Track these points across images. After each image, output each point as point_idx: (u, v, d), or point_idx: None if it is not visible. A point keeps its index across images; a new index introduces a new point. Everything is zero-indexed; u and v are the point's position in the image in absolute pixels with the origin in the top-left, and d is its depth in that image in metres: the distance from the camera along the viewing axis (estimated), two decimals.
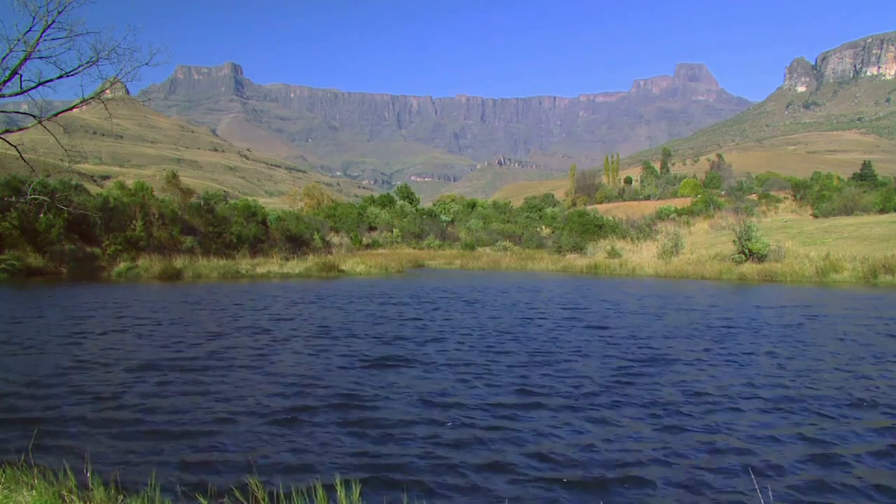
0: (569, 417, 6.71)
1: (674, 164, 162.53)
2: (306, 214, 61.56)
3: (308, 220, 52.45)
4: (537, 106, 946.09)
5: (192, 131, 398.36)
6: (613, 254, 40.81)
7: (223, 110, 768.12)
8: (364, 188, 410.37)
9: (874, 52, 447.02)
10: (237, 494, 4.44)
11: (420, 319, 14.59)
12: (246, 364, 9.28)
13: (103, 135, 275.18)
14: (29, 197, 24.61)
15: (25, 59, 15.11)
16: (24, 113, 16.65)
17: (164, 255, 30.45)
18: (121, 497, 4.31)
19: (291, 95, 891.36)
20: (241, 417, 6.63)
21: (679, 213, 63.67)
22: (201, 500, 4.22)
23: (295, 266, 32.22)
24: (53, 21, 15.15)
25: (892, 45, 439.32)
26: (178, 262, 29.85)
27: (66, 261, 29.06)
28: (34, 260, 28.19)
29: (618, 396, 7.52)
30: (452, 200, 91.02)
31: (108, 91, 17.81)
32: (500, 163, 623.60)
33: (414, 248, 56.25)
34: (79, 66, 16.05)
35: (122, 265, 29.28)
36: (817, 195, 64.48)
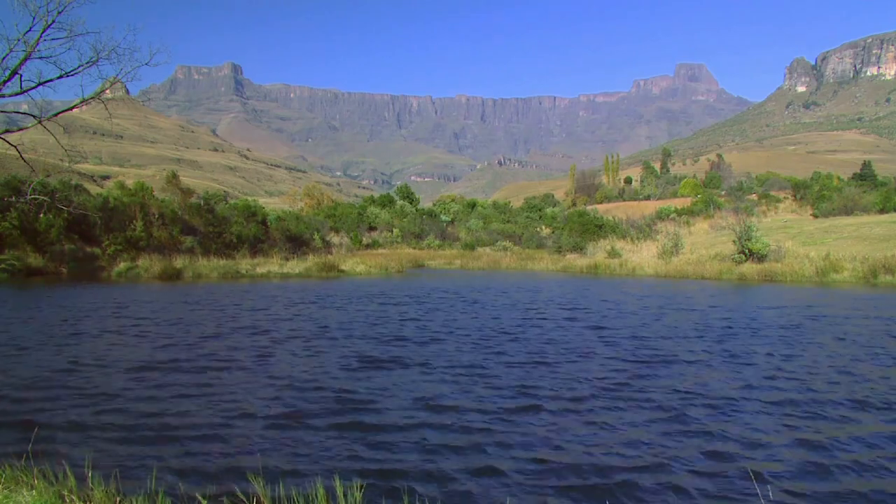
0: (568, 419, 6.71)
1: (674, 164, 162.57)
2: (306, 214, 61.57)
3: (308, 220, 52.45)
4: (537, 106, 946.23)
5: (192, 131, 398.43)
6: (613, 254, 40.80)
7: (223, 110, 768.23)
8: (364, 188, 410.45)
9: (874, 52, 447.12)
10: (238, 494, 4.44)
11: (420, 320, 14.59)
12: (246, 365, 9.28)
13: (103, 135, 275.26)
14: (29, 197, 24.61)
15: (25, 59, 15.11)
16: (24, 113, 16.65)
17: (164, 255, 30.45)
18: (121, 497, 4.31)
19: (291, 95, 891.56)
20: (240, 418, 6.63)
21: (679, 213, 63.66)
22: (201, 500, 4.22)
23: (295, 266, 32.22)
24: (53, 21, 15.14)
25: (892, 45, 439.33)
26: (178, 262, 29.85)
27: (66, 261, 29.06)
28: (34, 260, 28.20)
29: (617, 398, 7.51)
30: (452, 200, 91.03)
31: (108, 91, 17.80)
32: (500, 163, 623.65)
33: (414, 248, 56.25)
34: (79, 66, 16.05)
35: (122, 265, 29.28)
36: (817, 195, 64.49)
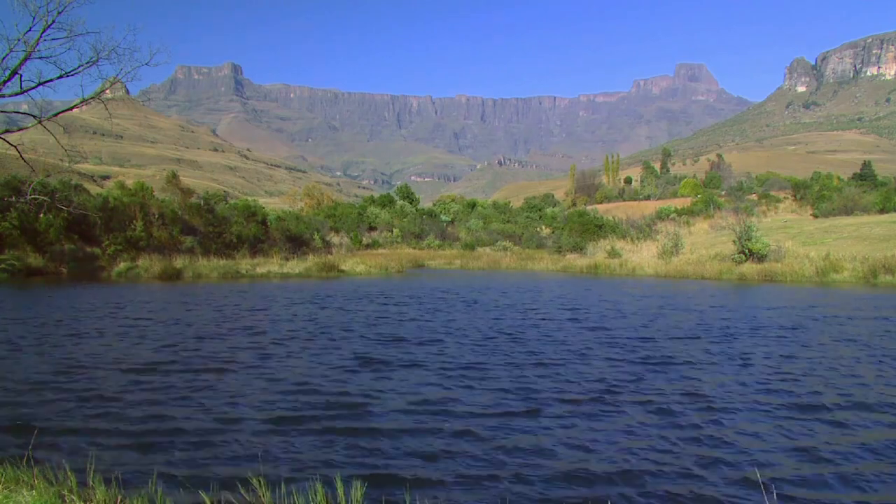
0: (568, 420, 6.71)
1: (674, 164, 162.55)
2: (306, 214, 61.57)
3: (308, 220, 52.45)
4: (537, 106, 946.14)
5: (192, 131, 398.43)
6: (613, 254, 40.80)
7: (223, 110, 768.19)
8: (364, 188, 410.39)
9: (874, 52, 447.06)
10: (241, 490, 4.44)
11: (420, 320, 14.59)
12: (245, 365, 9.28)
13: (103, 135, 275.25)
14: (29, 197, 24.61)
15: (25, 59, 15.11)
16: (24, 113, 16.65)
17: (164, 255, 30.45)
18: (121, 497, 4.31)
19: (291, 95, 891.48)
20: (240, 419, 6.63)
21: (679, 213, 63.65)
22: (203, 499, 4.22)
23: (295, 266, 32.22)
24: (53, 21, 15.14)
25: (892, 45, 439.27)
26: (178, 262, 29.85)
27: (66, 261, 29.06)
28: (34, 260, 28.20)
29: (617, 399, 7.51)
30: (452, 200, 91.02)
31: (108, 91, 17.80)
32: (500, 163, 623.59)
33: (414, 248, 56.25)
34: (79, 66, 16.05)
35: (122, 265, 29.28)
36: (817, 195, 64.48)
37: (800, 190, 70.85)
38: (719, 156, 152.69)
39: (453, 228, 67.52)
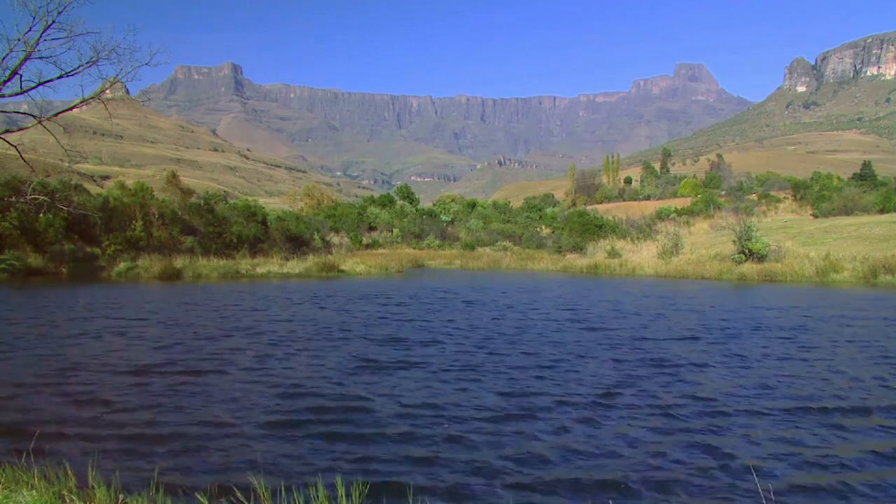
0: (568, 422, 6.71)
1: (674, 164, 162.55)
2: (306, 214, 61.56)
3: (308, 220, 52.45)
4: (537, 106, 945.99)
5: (192, 131, 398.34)
6: (613, 254, 40.80)
7: (223, 110, 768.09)
8: (364, 188, 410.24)
9: (874, 52, 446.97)
10: (239, 495, 4.44)
11: (420, 320, 14.59)
12: (245, 367, 9.28)
13: (103, 135, 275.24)
14: (29, 197, 24.58)
15: (25, 59, 15.09)
16: (24, 113, 16.63)
17: (164, 255, 30.45)
18: (121, 497, 4.31)
19: (291, 95, 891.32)
20: (240, 420, 6.63)
21: (679, 213, 63.66)
22: (202, 500, 4.22)
23: (295, 266, 32.21)
24: (53, 21, 15.12)
25: (892, 45, 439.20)
26: (178, 262, 29.84)
27: (66, 261, 29.06)
28: (34, 260, 28.19)
29: (617, 401, 7.51)
30: (452, 200, 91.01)
31: (108, 91, 17.77)
32: (500, 163, 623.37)
33: (414, 248, 56.24)
34: (79, 66, 16.02)
35: (122, 265, 29.27)
36: (817, 195, 64.47)
37: (800, 190, 70.84)
38: (719, 156, 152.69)
39: (453, 228, 67.52)
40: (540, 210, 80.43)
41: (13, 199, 28.12)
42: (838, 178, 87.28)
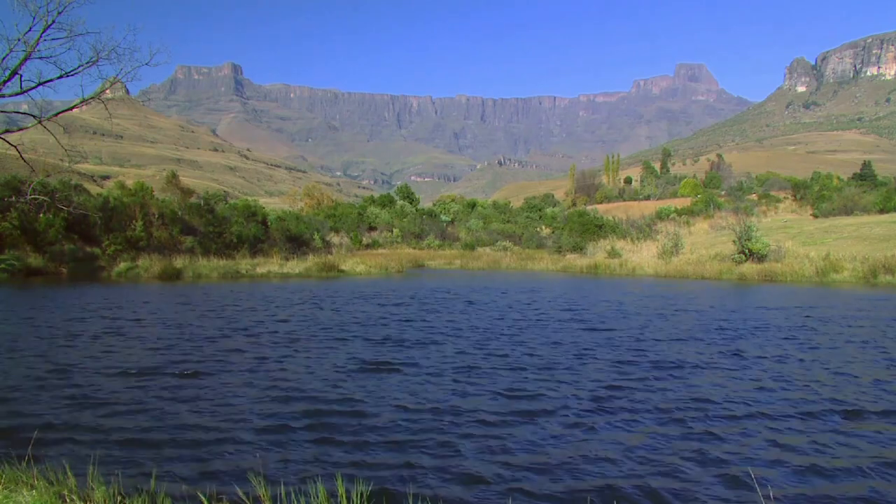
0: (568, 423, 6.70)
1: (674, 164, 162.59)
2: (306, 214, 61.57)
3: (308, 220, 52.45)
4: (537, 106, 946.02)
5: (192, 131, 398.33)
6: (613, 254, 40.80)
7: (223, 110, 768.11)
8: (364, 188, 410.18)
9: (874, 52, 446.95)
10: (239, 495, 4.44)
11: (419, 321, 14.59)
12: (244, 367, 9.28)
13: (103, 135, 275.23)
14: (29, 197, 24.59)
15: (25, 59, 15.10)
16: (24, 113, 16.63)
17: (164, 255, 30.45)
18: (121, 497, 4.31)
19: (291, 95, 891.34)
20: (239, 421, 6.63)
21: (679, 213, 63.66)
22: (202, 500, 4.22)
23: (295, 266, 32.22)
24: (53, 21, 15.12)
25: (892, 45, 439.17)
26: (178, 262, 29.85)
27: (66, 261, 29.06)
28: (34, 260, 28.19)
29: (617, 403, 7.51)
30: (452, 200, 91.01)
31: (108, 91, 17.77)
32: (500, 163, 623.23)
33: (414, 248, 56.25)
34: (79, 66, 16.02)
35: (122, 265, 29.28)
36: (817, 195, 64.47)
37: (800, 190, 70.85)
38: (719, 156, 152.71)
39: (453, 228, 67.52)
40: (540, 210, 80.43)
41: (13, 199, 28.12)
42: (838, 178, 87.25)
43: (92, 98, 17.21)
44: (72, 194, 34.44)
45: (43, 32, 15.19)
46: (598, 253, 43.60)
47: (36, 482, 4.37)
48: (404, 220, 66.62)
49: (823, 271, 28.26)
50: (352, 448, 5.77)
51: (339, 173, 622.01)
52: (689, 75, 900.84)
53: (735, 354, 10.29)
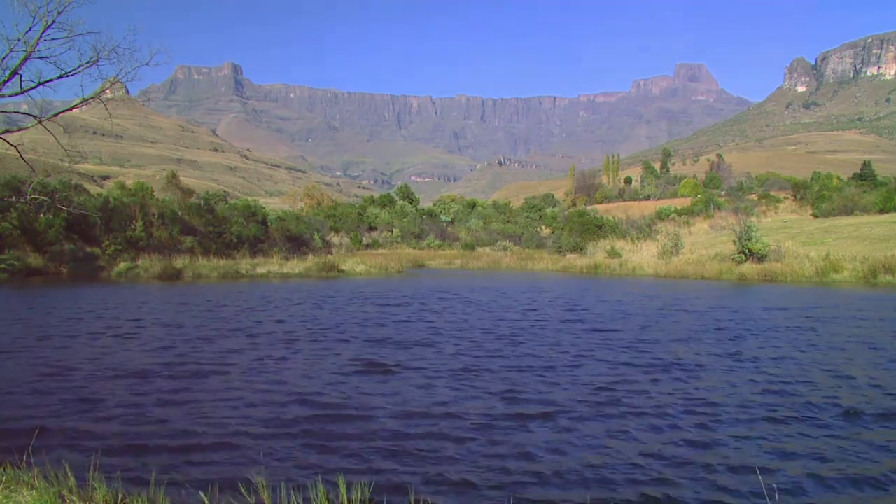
0: (567, 424, 6.70)
1: (674, 164, 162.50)
2: (306, 214, 61.58)
3: (308, 220, 52.46)
4: (537, 106, 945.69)
5: (192, 131, 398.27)
6: (613, 254, 40.80)
7: (223, 110, 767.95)
8: (364, 188, 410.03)
9: (874, 52, 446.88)
10: (241, 491, 4.44)
11: (419, 321, 14.59)
12: (244, 368, 9.28)
13: (103, 135, 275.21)
14: (29, 197, 24.56)
15: (25, 59, 15.08)
16: (24, 113, 16.62)
17: (164, 255, 30.45)
18: (121, 497, 4.30)
19: (291, 95, 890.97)
20: (239, 421, 6.63)
21: (679, 213, 63.66)
22: (203, 499, 4.22)
23: (295, 266, 32.22)
24: (53, 21, 15.10)
25: (892, 45, 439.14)
26: (178, 262, 29.85)
27: (66, 261, 29.06)
28: (34, 260, 28.19)
29: (617, 403, 7.50)
30: (452, 200, 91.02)
31: (108, 91, 17.76)
32: (500, 163, 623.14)
33: (414, 248, 56.26)
34: (79, 66, 16.00)
35: (121, 265, 29.28)
36: (817, 195, 64.45)
37: (800, 190, 70.83)
38: (719, 156, 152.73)
39: (453, 228, 67.53)
40: (540, 210, 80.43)
41: (13, 199, 28.11)
42: (838, 178, 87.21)
43: (92, 98, 17.20)
44: (72, 194, 34.44)
45: (43, 32, 15.18)
46: (598, 253, 43.60)
47: (36, 482, 4.37)
48: (404, 220, 66.62)
49: (823, 271, 28.26)
50: (352, 450, 5.76)
51: (339, 173, 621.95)
52: (689, 75, 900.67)
53: (736, 355, 10.28)
